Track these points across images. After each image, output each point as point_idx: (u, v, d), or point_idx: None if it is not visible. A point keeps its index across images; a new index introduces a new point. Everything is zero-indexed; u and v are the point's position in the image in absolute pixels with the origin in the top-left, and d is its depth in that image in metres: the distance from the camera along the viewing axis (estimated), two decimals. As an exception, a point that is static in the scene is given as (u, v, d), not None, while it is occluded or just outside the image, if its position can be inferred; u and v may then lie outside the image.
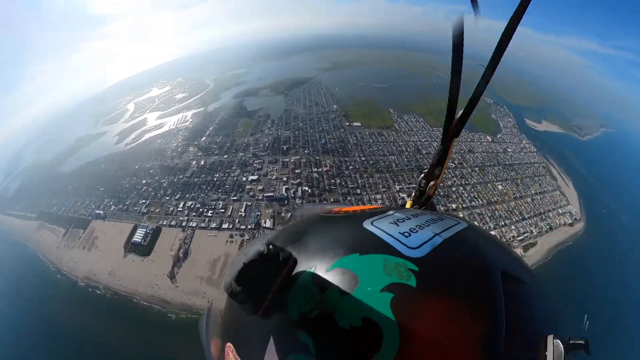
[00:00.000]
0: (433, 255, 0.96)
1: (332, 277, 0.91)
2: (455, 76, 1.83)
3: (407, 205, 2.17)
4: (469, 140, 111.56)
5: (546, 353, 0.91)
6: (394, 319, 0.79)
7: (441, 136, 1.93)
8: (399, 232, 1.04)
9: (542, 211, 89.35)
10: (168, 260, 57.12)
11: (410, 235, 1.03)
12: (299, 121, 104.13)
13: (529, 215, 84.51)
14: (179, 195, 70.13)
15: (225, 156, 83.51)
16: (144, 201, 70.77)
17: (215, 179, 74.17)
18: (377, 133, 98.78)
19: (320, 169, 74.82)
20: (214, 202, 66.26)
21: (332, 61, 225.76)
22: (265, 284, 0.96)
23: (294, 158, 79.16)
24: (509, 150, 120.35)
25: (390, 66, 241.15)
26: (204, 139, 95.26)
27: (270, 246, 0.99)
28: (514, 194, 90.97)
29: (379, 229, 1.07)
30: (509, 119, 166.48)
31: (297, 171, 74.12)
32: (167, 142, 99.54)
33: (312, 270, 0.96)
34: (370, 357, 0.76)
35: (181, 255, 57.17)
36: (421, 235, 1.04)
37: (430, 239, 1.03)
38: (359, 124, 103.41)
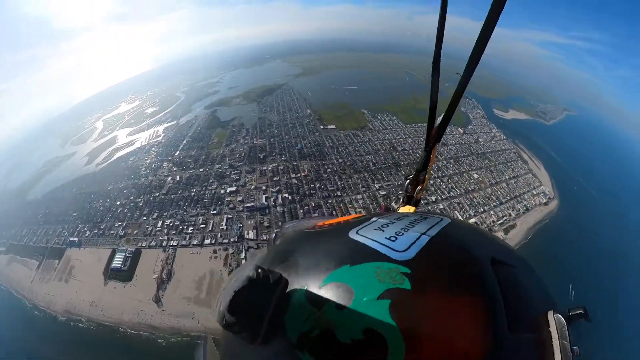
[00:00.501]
0: (422, 254, 0.96)
1: (327, 292, 0.90)
2: (434, 86, 1.94)
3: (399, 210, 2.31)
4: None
5: (549, 329, 0.93)
6: (395, 325, 0.79)
7: (424, 143, 2.15)
8: (386, 238, 1.04)
9: (518, 194, 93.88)
10: (151, 284, 55.25)
11: (396, 239, 1.04)
12: (273, 128, 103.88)
13: (505, 199, 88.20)
14: (156, 214, 67.73)
15: (202, 169, 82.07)
16: (120, 223, 68.01)
17: (192, 193, 72.37)
18: (352, 134, 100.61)
19: (298, 175, 75.00)
20: (193, 218, 64.30)
21: (303, 67, 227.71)
22: (260, 310, 0.94)
23: (271, 166, 78.94)
24: (480, 140, 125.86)
25: (361, 68, 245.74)
26: (178, 153, 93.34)
27: (259, 270, 0.98)
28: (489, 180, 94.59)
29: (366, 237, 1.07)
30: (478, 111, 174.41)
31: (275, 179, 73.64)
32: (139, 159, 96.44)
33: (305, 289, 0.95)
34: None
35: (165, 276, 55.45)
36: (407, 237, 1.05)
37: (417, 239, 1.03)
38: (334, 127, 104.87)
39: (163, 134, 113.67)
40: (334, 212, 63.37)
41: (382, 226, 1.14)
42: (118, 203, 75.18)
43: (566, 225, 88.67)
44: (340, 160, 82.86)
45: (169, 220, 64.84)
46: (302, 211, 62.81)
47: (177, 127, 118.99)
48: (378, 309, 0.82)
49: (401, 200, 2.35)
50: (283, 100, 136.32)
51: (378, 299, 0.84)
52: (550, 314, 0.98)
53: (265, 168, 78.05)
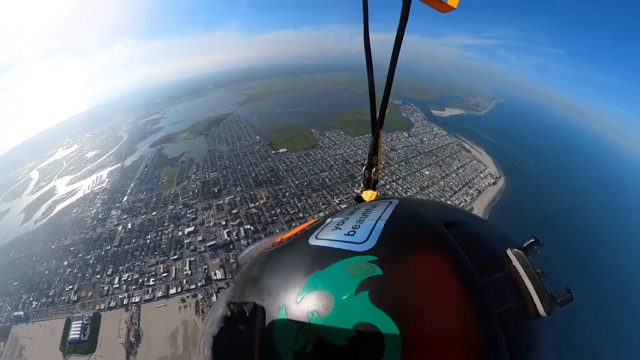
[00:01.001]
0: (383, 239, 1.01)
1: (306, 304, 0.91)
2: (370, 78, 2.19)
3: (363, 195, 2.49)
4: (389, 140, 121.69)
5: (513, 265, 1.04)
6: (380, 310, 0.82)
7: (370, 131, 2.42)
8: (344, 234, 1.08)
9: (468, 181, 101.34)
10: (119, 350, 49.44)
11: (355, 232, 1.07)
12: (224, 159, 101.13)
13: (458, 187, 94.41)
14: (111, 270, 61.29)
15: (154, 213, 77.16)
16: (71, 287, 60.00)
17: (148, 241, 67.09)
18: (305, 154, 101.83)
19: (257, 203, 73.95)
20: (153, 268, 58.90)
21: (247, 94, 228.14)
22: (246, 346, 0.94)
23: (227, 198, 76.85)
24: (424, 139, 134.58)
25: (304, 90, 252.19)
26: (126, 198, 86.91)
27: (232, 306, 0.97)
28: (440, 174, 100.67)
29: (326, 239, 1.10)
30: (418, 114, 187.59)
31: (234, 211, 71.39)
32: (84, 210, 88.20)
33: (284, 309, 0.94)
34: (381, 355, 0.78)
35: (133, 339, 50.23)
36: (364, 227, 1.09)
37: (374, 226, 1.08)
38: (285, 150, 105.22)
39: (107, 179, 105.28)
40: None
41: (338, 225, 1.16)
42: (65, 263, 66.93)
43: (516, 195, 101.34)
44: (296, 182, 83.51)
45: (127, 275, 59.27)
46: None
47: (122, 170, 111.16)
48: (360, 302, 0.84)
49: (361, 185, 2.60)
50: (231, 130, 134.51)
51: (356, 294, 0.86)
52: (509, 251, 1.07)
53: (221, 202, 75.70)
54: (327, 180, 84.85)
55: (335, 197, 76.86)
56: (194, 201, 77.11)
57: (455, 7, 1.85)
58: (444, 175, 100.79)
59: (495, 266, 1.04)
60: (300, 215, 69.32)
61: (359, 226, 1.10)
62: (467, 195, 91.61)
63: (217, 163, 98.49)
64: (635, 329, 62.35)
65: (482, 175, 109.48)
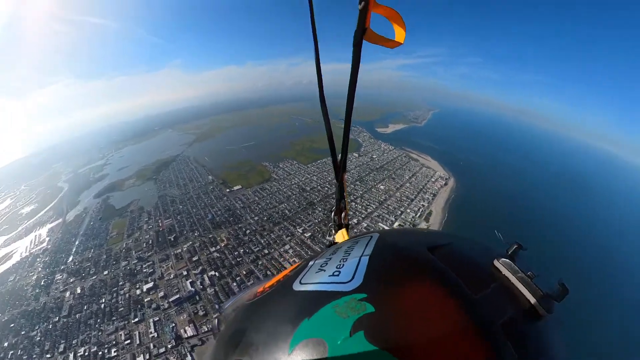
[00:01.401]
0: (370, 274, 0.99)
1: (298, 356, 0.85)
2: (327, 124, 2.22)
3: (336, 239, 2.49)
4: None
5: (503, 274, 1.05)
6: (378, 348, 0.78)
7: (334, 175, 2.40)
8: (329, 276, 1.06)
9: (422, 187, 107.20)
10: None
11: (340, 272, 1.05)
12: (177, 204, 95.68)
13: (414, 195, 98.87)
14: (63, 346, 52.84)
15: (106, 272, 68.94)
16: None
17: (102, 305, 58.96)
18: (260, 189, 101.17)
19: (218, 247, 70.68)
20: (113, 336, 52.02)
21: (195, 133, 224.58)
22: None
23: (186, 246, 72.28)
24: (374, 157, 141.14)
25: (253, 124, 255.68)
26: (71, 258, 77.10)
27: None
28: (394, 186, 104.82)
29: (310, 283, 1.08)
30: (365, 134, 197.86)
31: (194, 259, 66.92)
32: (23, 276, 75.84)
33: None
34: None
35: None
36: (349, 266, 1.07)
37: (358, 263, 1.06)
38: (240, 187, 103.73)
39: (48, 238, 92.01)
40: (268, 273, 61.42)
41: (321, 266, 1.14)
42: (6, 344, 57.06)
43: (468, 191, 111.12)
44: (256, 218, 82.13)
45: (83, 349, 51.56)
46: (235, 284, 59.20)
47: (64, 226, 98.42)
48: (356, 343, 0.81)
49: (333, 231, 2.64)
50: (181, 172, 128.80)
51: (351, 335, 0.83)
52: (496, 262, 1.09)
53: (180, 250, 70.96)
54: (286, 211, 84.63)
55: (297, 227, 76.59)
56: (150, 253, 71.36)
57: (402, 42, 1.96)
58: (398, 186, 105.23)
59: (486, 280, 1.04)
60: (265, 251, 67.80)
61: (343, 265, 1.07)
62: (424, 200, 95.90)
63: (169, 209, 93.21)
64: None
65: (433, 180, 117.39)
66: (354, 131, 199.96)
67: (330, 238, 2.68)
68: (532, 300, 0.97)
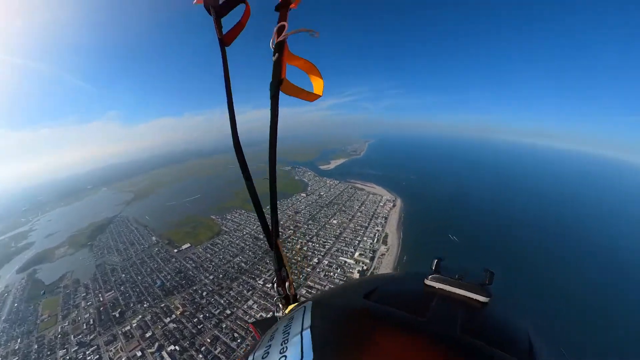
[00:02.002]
0: (317, 347, 0.96)
1: None
2: (251, 190, 2.10)
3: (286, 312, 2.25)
4: (290, 205, 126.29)
5: (437, 289, 1.16)
6: None
7: (267, 244, 2.22)
8: None
9: (372, 213, 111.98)
10: None
11: (286, 356, 1.00)
12: (119, 273, 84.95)
13: (367, 223, 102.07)
14: None
15: None
16: None
17: None
18: (211, 244, 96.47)
19: (173, 316, 63.65)
20: None
21: (133, 191, 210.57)
22: None
23: (135, 321, 63.19)
24: (322, 193, 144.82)
25: (195, 176, 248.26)
26: None
27: None
28: (347, 218, 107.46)
29: None
30: (309, 173, 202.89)
31: (148, 335, 58.83)
32: None
33: None
34: None
35: None
36: (292, 346, 1.03)
37: (302, 340, 1.03)
38: (189, 245, 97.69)
39: None
40: (235, 335, 57.40)
41: (263, 356, 1.08)
42: None
43: (415, 206, 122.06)
44: (211, 277, 77.23)
45: None
46: (201, 356, 53.86)
47: None
48: None
49: (280, 306, 2.39)
50: (121, 235, 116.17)
51: None
52: (427, 282, 1.20)
53: (128, 328, 61.92)
54: (243, 264, 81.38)
55: (257, 279, 73.71)
56: (92, 336, 61.12)
57: (321, 94, 1.99)
58: (350, 217, 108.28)
59: (425, 301, 1.07)
60: (228, 312, 63.42)
61: (286, 348, 1.03)
62: (378, 225, 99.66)
63: (110, 279, 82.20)
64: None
65: (381, 204, 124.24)
66: (298, 172, 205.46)
67: (280, 314, 2.42)
68: (471, 295, 1.06)
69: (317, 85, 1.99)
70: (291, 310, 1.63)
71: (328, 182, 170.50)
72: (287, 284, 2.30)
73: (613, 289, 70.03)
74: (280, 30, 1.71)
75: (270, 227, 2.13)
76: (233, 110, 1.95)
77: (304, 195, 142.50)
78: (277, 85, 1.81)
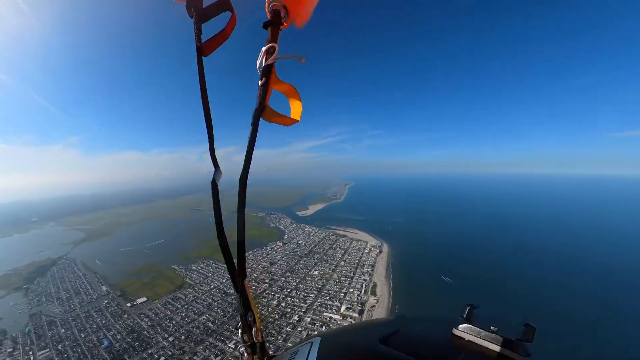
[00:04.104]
0: None
1: None
2: (219, 228, 1.96)
3: None
4: (265, 255, 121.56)
5: (467, 340, 1.08)
6: None
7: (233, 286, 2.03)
8: None
9: (357, 261, 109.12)
10: None
11: None
12: (58, 327, 74.54)
13: (352, 272, 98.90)
14: None
15: None
16: None
17: None
18: (172, 299, 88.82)
19: None
20: None
21: (86, 229, 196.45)
22: None
23: None
24: (300, 242, 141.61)
25: (160, 218, 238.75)
26: None
27: None
28: (329, 268, 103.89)
29: None
30: (285, 219, 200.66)
31: None
32: None
33: None
34: None
35: None
36: None
37: None
38: (145, 299, 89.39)
39: None
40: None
41: None
42: None
43: (404, 251, 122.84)
44: (171, 339, 69.55)
45: None
46: None
47: None
48: None
49: (245, 356, 2.16)
50: (64, 281, 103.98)
51: None
52: (455, 331, 1.11)
53: None
54: (210, 324, 74.60)
55: (228, 342, 67.51)
56: None
57: (298, 119, 1.92)
58: (333, 267, 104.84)
59: (452, 352, 1.03)
60: (190, 384, 56.78)
61: None
62: (364, 275, 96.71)
63: (46, 334, 72.00)
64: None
65: (367, 251, 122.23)
66: (273, 219, 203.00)
67: None
68: (508, 353, 0.99)
69: (295, 109, 1.93)
70: (296, 344, 1.58)
71: (307, 229, 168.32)
72: (254, 330, 2.11)
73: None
74: (270, 51, 1.66)
75: (235, 266, 2.01)
76: (212, 130, 1.85)
77: (280, 244, 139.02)
78: (261, 111, 1.73)
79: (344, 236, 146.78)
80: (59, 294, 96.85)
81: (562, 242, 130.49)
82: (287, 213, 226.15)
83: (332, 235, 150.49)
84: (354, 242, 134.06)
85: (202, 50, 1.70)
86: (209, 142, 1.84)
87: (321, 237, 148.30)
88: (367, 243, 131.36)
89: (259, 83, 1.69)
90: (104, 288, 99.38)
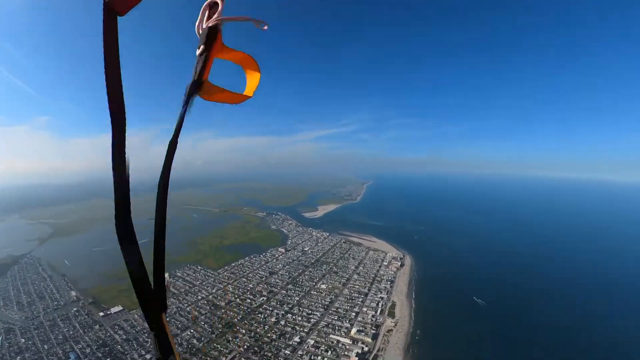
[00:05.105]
0: None
1: None
2: (130, 257, 2.06)
3: None
4: (263, 262, 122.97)
5: None
6: None
7: (147, 322, 1.90)
8: None
9: (374, 275, 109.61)
10: None
11: None
12: (17, 336, 77.76)
13: (366, 288, 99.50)
14: None
15: None
16: None
17: None
18: None
19: None
20: None
21: (54, 224, 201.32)
22: None
23: None
24: (306, 249, 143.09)
25: (144, 214, 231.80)
26: None
27: None
28: (339, 282, 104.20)
29: None
30: (290, 222, 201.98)
31: None
32: None
33: None
34: None
35: None
36: None
37: None
38: (121, 308, 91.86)
39: None
40: None
41: None
42: None
43: (428, 265, 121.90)
44: (148, 357, 71.60)
45: None
46: None
47: None
48: None
49: None
50: (26, 283, 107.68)
51: None
52: None
53: None
54: (195, 341, 76.66)
55: (216, 364, 69.55)
56: None
57: (251, 95, 1.93)
58: (344, 281, 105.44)
59: None
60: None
61: None
62: (382, 292, 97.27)
63: (3, 345, 74.72)
64: None
65: (385, 263, 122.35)
66: (275, 220, 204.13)
67: None
68: None
69: (251, 82, 1.88)
70: None
71: (315, 233, 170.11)
72: None
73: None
74: (213, 8, 1.54)
75: (152, 298, 1.85)
76: (123, 116, 1.74)
77: (283, 250, 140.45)
78: (196, 88, 1.61)
79: (359, 244, 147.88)
80: (19, 297, 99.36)
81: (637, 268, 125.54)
82: (291, 214, 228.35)
83: (344, 242, 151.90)
84: (371, 252, 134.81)
85: (112, 6, 1.58)
86: (115, 132, 1.71)
87: (331, 244, 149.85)
88: (386, 254, 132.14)
89: (197, 51, 1.59)
90: (73, 293, 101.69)
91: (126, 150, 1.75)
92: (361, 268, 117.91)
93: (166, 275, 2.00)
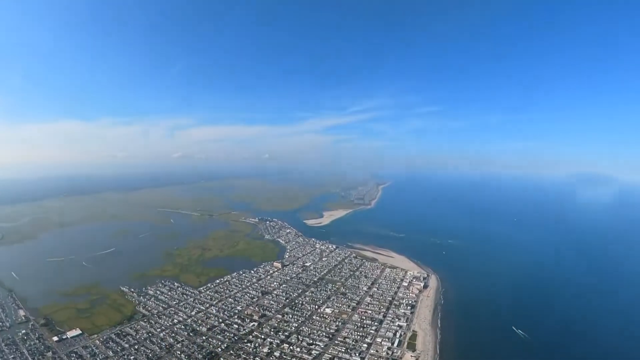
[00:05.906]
0: None
1: None
2: None
3: None
4: (254, 280, 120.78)
5: None
6: None
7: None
8: None
9: (391, 298, 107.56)
10: None
11: None
12: None
13: (382, 313, 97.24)
14: None
15: None
16: None
17: None
18: (117, 334, 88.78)
19: None
20: None
21: (2, 227, 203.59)
22: None
23: None
24: (307, 264, 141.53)
25: (107, 218, 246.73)
26: None
27: None
28: (348, 306, 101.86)
29: None
30: (288, 230, 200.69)
31: None
32: None
33: None
34: None
35: None
36: None
37: None
38: (79, 332, 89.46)
39: None
40: None
41: None
42: None
43: (457, 287, 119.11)
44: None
45: None
46: None
47: None
48: None
49: None
50: None
51: None
52: None
53: None
54: (169, 372, 74.21)
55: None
56: None
57: None
58: (354, 304, 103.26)
59: None
60: None
61: None
62: (400, 319, 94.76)
63: None
64: None
65: (405, 283, 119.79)
66: (270, 228, 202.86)
67: None
68: None
69: None
70: None
71: (318, 245, 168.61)
72: None
73: None
74: None
75: None
76: None
77: (279, 265, 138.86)
78: None
79: (373, 260, 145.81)
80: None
81: None
82: (291, 220, 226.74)
83: (355, 257, 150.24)
84: (388, 270, 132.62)
85: None
86: None
87: (339, 258, 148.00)
88: (406, 272, 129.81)
89: None
90: (22, 313, 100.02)
91: None
92: (375, 289, 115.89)
93: None
